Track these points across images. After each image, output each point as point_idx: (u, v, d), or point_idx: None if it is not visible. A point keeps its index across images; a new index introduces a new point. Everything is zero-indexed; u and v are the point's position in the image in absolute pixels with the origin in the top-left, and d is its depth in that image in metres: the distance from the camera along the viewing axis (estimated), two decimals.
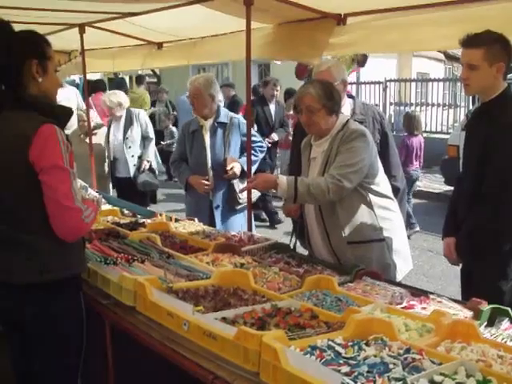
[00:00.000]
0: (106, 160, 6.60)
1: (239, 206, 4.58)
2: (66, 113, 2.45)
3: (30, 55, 2.32)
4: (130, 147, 6.44)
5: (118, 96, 6.51)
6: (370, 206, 3.21)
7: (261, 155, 4.75)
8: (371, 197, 3.21)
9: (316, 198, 3.09)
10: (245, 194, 4.50)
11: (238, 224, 4.48)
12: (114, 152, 6.49)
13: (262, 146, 4.74)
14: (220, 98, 6.23)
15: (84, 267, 2.61)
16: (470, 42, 2.87)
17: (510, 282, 2.96)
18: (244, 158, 4.52)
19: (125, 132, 6.45)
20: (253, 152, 4.58)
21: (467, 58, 2.90)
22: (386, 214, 3.28)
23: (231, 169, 4.49)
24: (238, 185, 4.55)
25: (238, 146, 4.61)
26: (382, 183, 3.29)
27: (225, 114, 4.67)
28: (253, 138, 4.62)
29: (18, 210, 2.31)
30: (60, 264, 2.37)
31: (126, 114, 6.50)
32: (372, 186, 3.21)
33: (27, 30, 2.42)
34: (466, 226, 3.01)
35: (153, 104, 13.19)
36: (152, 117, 12.83)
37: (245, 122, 4.74)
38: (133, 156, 6.46)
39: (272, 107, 8.96)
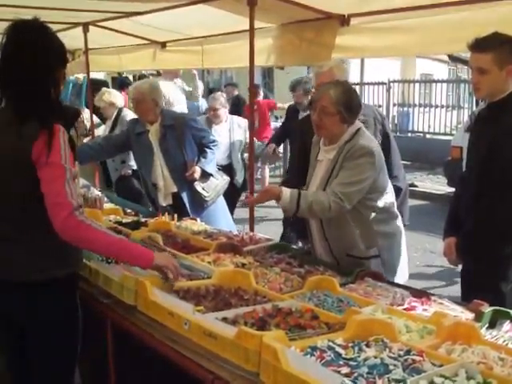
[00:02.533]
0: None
1: (207, 204, 4.66)
2: (74, 113, 2.52)
3: (62, 62, 2.37)
4: None
5: (110, 95, 6.44)
6: (367, 223, 3.14)
7: (216, 150, 4.76)
8: (371, 214, 3.14)
9: (316, 215, 3.07)
10: (208, 189, 4.64)
11: (214, 216, 4.53)
12: None
13: (214, 141, 4.75)
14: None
15: (80, 265, 2.60)
16: (478, 46, 2.85)
17: (510, 283, 2.95)
18: (202, 159, 4.61)
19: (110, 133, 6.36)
20: (207, 150, 4.66)
21: (477, 62, 2.89)
22: (386, 229, 3.21)
23: (191, 174, 4.53)
24: (200, 185, 4.61)
25: (193, 143, 4.62)
26: (384, 197, 3.20)
27: (170, 116, 4.65)
28: (203, 134, 4.70)
29: (19, 208, 2.31)
30: (58, 262, 2.37)
31: (115, 115, 6.42)
32: (374, 203, 3.14)
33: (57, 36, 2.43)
34: (467, 226, 3.01)
35: None
36: None
37: (192, 117, 4.90)
38: (114, 161, 6.30)
39: None
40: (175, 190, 4.62)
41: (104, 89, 6.67)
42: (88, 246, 2.38)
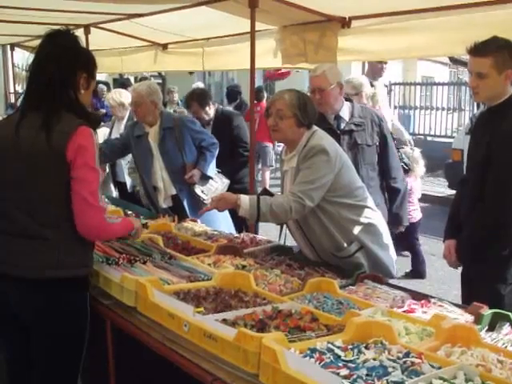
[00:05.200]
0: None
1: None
2: (97, 119, 2.66)
3: (84, 68, 2.51)
4: None
5: (121, 95, 6.21)
6: (341, 221, 3.14)
7: (216, 152, 4.73)
8: (341, 211, 3.14)
9: (279, 218, 3.07)
10: (210, 195, 4.55)
11: (214, 220, 4.39)
12: None
13: (213, 143, 4.71)
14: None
15: (92, 267, 2.64)
16: (477, 50, 2.87)
17: (509, 285, 2.96)
18: (201, 162, 4.59)
19: None
20: (206, 152, 4.62)
21: (475, 66, 2.91)
22: (362, 220, 3.19)
23: (190, 177, 4.51)
24: (199, 188, 4.60)
25: (192, 145, 4.61)
26: (355, 193, 3.20)
27: (169, 118, 4.64)
28: (202, 137, 4.66)
29: (46, 204, 2.37)
30: (73, 262, 2.42)
31: (128, 115, 6.17)
32: (342, 200, 3.13)
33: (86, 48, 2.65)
34: (467, 229, 3.02)
35: (164, 106, 12.96)
36: None
37: (190, 119, 4.83)
38: (128, 162, 5.99)
39: None
40: (175, 192, 4.62)
41: (116, 89, 6.45)
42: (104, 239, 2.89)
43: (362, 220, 3.20)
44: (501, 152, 2.85)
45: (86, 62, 2.53)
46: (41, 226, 2.37)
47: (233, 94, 11.29)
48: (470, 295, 2.91)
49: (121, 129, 6.23)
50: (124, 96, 6.22)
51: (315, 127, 3.21)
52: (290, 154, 3.23)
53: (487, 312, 2.33)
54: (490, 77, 2.86)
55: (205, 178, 4.64)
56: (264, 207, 3.00)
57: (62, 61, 2.42)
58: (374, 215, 3.29)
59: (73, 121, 2.37)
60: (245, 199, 3.05)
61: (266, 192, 3.35)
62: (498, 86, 2.89)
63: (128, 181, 6.08)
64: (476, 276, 3.02)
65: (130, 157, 5.80)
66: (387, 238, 3.36)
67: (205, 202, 4.58)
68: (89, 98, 2.62)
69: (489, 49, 2.84)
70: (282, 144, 3.69)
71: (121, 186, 6.31)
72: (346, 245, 3.17)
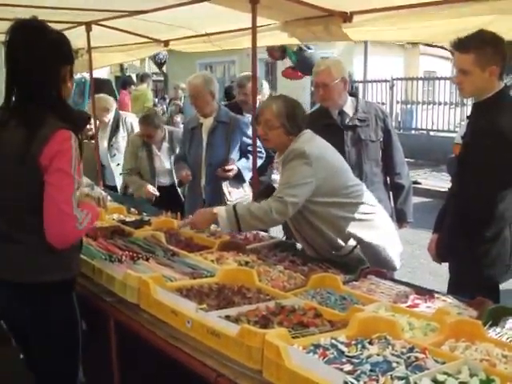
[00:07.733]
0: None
1: None
2: (84, 118, 2.53)
3: (66, 60, 2.36)
4: (114, 155, 6.01)
5: (103, 100, 6.19)
6: (334, 220, 3.12)
7: (260, 161, 4.67)
8: (330, 210, 3.11)
9: (261, 220, 3.00)
10: (234, 195, 4.51)
11: None
12: (102, 159, 6.07)
13: (260, 152, 4.66)
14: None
15: (79, 269, 2.59)
16: (460, 46, 2.83)
17: (481, 280, 2.91)
18: (243, 163, 4.55)
19: (110, 139, 6.07)
20: (251, 157, 4.55)
21: (458, 63, 2.88)
22: (356, 216, 3.17)
23: (229, 170, 4.46)
24: (227, 186, 4.54)
25: (237, 147, 4.59)
26: (349, 192, 3.17)
27: (225, 113, 4.64)
28: (251, 142, 4.56)
29: (24, 209, 2.30)
30: (58, 266, 2.36)
31: (113, 118, 6.15)
32: (335, 199, 3.10)
33: (60, 32, 2.42)
34: (444, 224, 3.02)
35: (168, 103, 12.98)
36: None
37: (246, 122, 4.74)
38: (118, 165, 5.93)
39: None
40: (204, 183, 4.56)
41: (97, 95, 6.35)
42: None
43: (358, 216, 3.17)
44: (476, 148, 2.83)
45: (65, 52, 2.36)
46: (20, 231, 2.31)
47: (231, 91, 11.25)
48: (452, 288, 2.92)
49: (106, 134, 6.13)
50: (104, 101, 6.17)
51: (306, 130, 3.18)
52: (280, 158, 3.22)
53: (491, 306, 2.32)
54: (473, 74, 2.81)
55: (239, 180, 4.57)
56: (241, 210, 2.98)
57: (41, 59, 2.27)
58: (372, 210, 3.27)
59: (53, 125, 2.24)
60: (221, 208, 3.06)
61: (268, 187, 3.35)
62: (483, 83, 2.84)
63: (118, 183, 6.00)
64: (453, 270, 3.03)
65: (121, 159, 5.77)
66: (389, 231, 3.35)
67: (227, 202, 4.41)
68: (71, 89, 2.45)
69: (471, 45, 2.78)
70: None
71: (111, 189, 6.16)
72: (342, 243, 3.15)
